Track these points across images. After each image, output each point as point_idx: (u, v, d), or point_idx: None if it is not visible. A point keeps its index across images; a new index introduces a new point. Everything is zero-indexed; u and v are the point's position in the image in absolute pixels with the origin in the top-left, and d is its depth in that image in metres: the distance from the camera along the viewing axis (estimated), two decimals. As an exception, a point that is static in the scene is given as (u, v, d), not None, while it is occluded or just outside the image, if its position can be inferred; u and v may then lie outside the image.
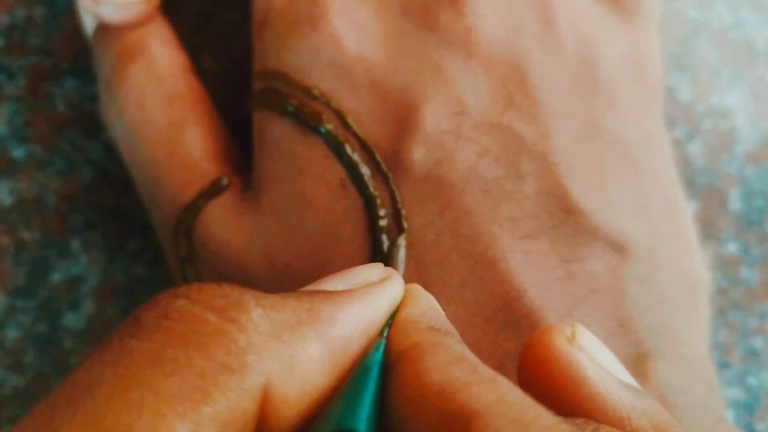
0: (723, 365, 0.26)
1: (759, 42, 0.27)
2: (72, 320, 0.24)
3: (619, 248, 0.20)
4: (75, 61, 0.25)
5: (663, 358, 0.20)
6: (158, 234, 0.23)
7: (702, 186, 0.27)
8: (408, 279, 0.20)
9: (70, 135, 0.25)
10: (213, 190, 0.21)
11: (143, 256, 0.25)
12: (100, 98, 0.23)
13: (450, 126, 0.20)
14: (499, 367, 0.19)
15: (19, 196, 0.24)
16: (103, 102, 0.23)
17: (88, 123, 0.25)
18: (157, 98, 0.22)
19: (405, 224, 0.20)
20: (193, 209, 0.21)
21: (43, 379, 0.24)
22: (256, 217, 0.21)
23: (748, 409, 0.26)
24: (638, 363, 0.19)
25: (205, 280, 0.21)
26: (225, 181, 0.21)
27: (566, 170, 0.21)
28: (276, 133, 0.21)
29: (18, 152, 0.24)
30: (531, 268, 0.20)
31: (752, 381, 0.26)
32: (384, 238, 0.20)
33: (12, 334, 0.24)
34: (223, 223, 0.21)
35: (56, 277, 0.24)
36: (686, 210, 0.24)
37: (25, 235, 0.24)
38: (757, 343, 0.26)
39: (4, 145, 0.24)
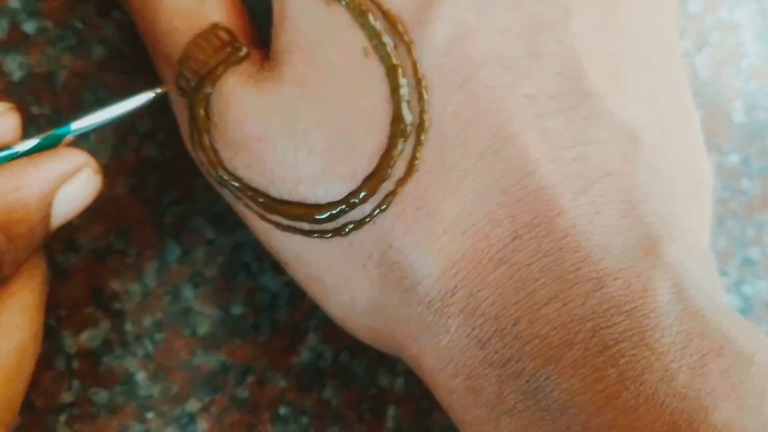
0: (720, 273, 0.27)
1: (769, -41, 0.28)
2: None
3: (631, 134, 0.21)
4: (90, -64, 0.25)
5: (672, 242, 0.20)
6: (173, 107, 0.22)
7: (708, 97, 0.27)
8: (426, 150, 0.20)
9: (82, 12, 0.25)
10: (233, 59, 0.21)
11: (153, 137, 0.25)
12: None
13: (472, 1, 0.20)
14: (514, 239, 0.19)
15: (30, 71, 0.24)
16: None
17: (102, 0, 0.25)
18: None
19: (425, 94, 0.20)
20: (211, 78, 0.21)
21: (49, 255, 0.24)
22: (276, 85, 0.20)
23: (742, 316, 0.27)
24: (650, 244, 0.19)
25: (220, 150, 0.21)
26: (244, 50, 0.21)
27: (583, 54, 0.21)
28: (297, 4, 0.21)
29: (29, 26, 0.24)
30: (547, 146, 0.20)
31: (747, 289, 0.27)
32: (405, 107, 0.20)
33: (18, 209, 0.23)
34: (242, 90, 0.21)
35: (64, 154, 0.24)
36: (694, 112, 0.24)
37: (35, 110, 0.24)
38: (754, 253, 0.27)
39: (15, 18, 0.24)
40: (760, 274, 0.27)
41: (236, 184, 0.21)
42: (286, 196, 0.21)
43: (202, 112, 0.21)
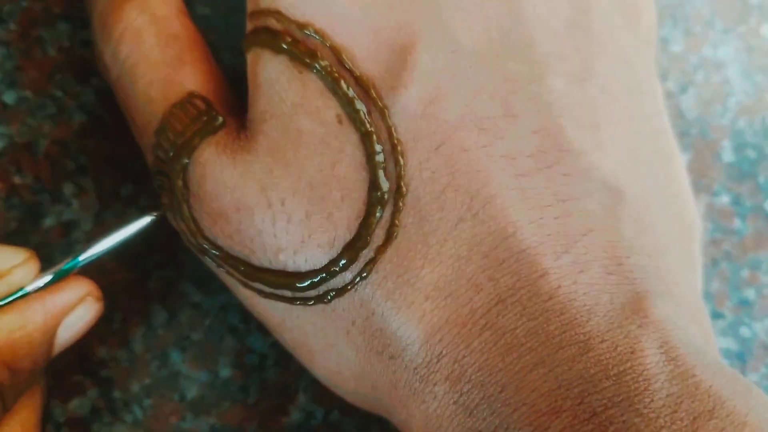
0: (716, 316, 0.26)
1: (752, -5, 0.27)
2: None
3: (613, 189, 0.20)
4: (67, 5, 0.25)
5: (659, 297, 0.20)
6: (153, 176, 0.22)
7: (695, 138, 0.27)
8: (404, 216, 0.20)
9: (61, 80, 0.25)
10: (208, 129, 0.21)
11: (136, 202, 0.25)
12: (95, 40, 0.23)
13: (445, 64, 0.20)
14: (497, 303, 0.19)
15: (11, 141, 0.24)
16: (97, 43, 0.23)
17: (80, 68, 0.25)
18: (153, 37, 0.22)
19: (401, 160, 0.20)
20: (188, 148, 0.21)
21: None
22: (251, 155, 0.20)
23: (740, 359, 0.26)
24: (637, 301, 0.19)
25: (200, 220, 0.21)
26: (220, 119, 0.21)
27: (560, 110, 0.21)
28: (270, 72, 0.21)
29: (9, 97, 0.24)
30: (527, 206, 0.20)
31: (745, 331, 0.26)
32: (381, 173, 0.20)
33: (3, 279, 0.23)
34: (218, 161, 0.21)
35: (48, 222, 0.24)
36: (679, 157, 0.24)
37: (17, 180, 0.24)
38: (750, 293, 0.26)
39: (-5, 89, 0.24)
40: (756, 315, 0.26)
41: (217, 253, 0.21)
42: (266, 265, 0.20)
43: (180, 183, 0.21)
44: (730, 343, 0.26)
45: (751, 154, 0.27)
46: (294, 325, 0.21)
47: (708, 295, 0.26)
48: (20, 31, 0.25)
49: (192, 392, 0.24)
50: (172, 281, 0.24)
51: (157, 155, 0.22)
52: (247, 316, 0.25)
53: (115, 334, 0.24)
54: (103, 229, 0.22)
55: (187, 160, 0.21)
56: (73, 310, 0.21)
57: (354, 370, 0.21)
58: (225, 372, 0.24)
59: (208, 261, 0.22)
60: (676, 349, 0.18)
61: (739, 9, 0.27)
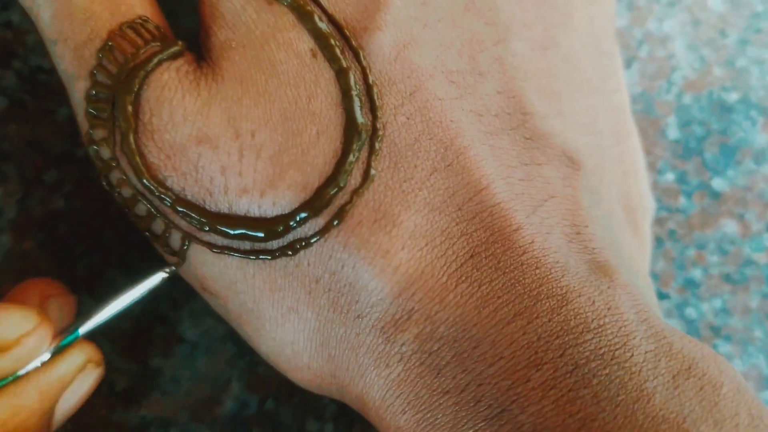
0: (661, 296, 0.26)
1: (698, -33, 0.27)
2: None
3: (571, 157, 0.20)
4: (-15, -14, 0.24)
5: (620, 267, 0.19)
6: (73, 103, 0.20)
7: (639, 114, 0.26)
8: (380, 161, 0.19)
9: (-19, 64, 0.24)
10: (169, 53, 0.19)
11: (61, 188, 0.24)
12: None
13: (416, 13, 0.20)
14: (471, 257, 0.18)
15: (-71, 128, 0.23)
16: None
17: (0, 51, 0.24)
18: None
19: (377, 101, 0.19)
20: (143, 69, 0.19)
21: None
22: (217, 83, 0.19)
23: (686, 340, 0.25)
24: (600, 268, 0.19)
25: (148, 155, 0.19)
26: (180, 44, 0.20)
27: (524, 74, 0.20)
28: (234, 3, 0.19)
29: (-73, 82, 0.24)
30: (497, 163, 0.19)
31: (691, 312, 0.26)
32: (358, 111, 0.19)
33: (-76, 270, 0.23)
34: (179, 86, 0.19)
35: (-31, 211, 0.23)
36: (635, 136, 0.23)
37: (-64, 167, 0.23)
38: (696, 273, 0.26)
39: None
40: (703, 295, 0.26)
41: (165, 198, 0.19)
42: (225, 210, 0.18)
43: (129, 109, 0.19)
44: (675, 325, 0.25)
45: (698, 130, 0.26)
46: (246, 287, 0.19)
47: (653, 276, 0.26)
48: (-63, 14, 0.24)
49: (121, 383, 0.24)
50: (99, 269, 0.24)
51: (96, 79, 0.19)
52: (177, 304, 0.24)
53: (41, 324, 0.23)
54: (108, 294, 0.20)
55: (139, 84, 0.19)
56: (72, 382, 0.19)
57: (310, 340, 0.19)
58: (155, 362, 0.24)
59: (140, 210, 0.19)
60: (646, 311, 0.18)
61: (683, -19, 0.27)
